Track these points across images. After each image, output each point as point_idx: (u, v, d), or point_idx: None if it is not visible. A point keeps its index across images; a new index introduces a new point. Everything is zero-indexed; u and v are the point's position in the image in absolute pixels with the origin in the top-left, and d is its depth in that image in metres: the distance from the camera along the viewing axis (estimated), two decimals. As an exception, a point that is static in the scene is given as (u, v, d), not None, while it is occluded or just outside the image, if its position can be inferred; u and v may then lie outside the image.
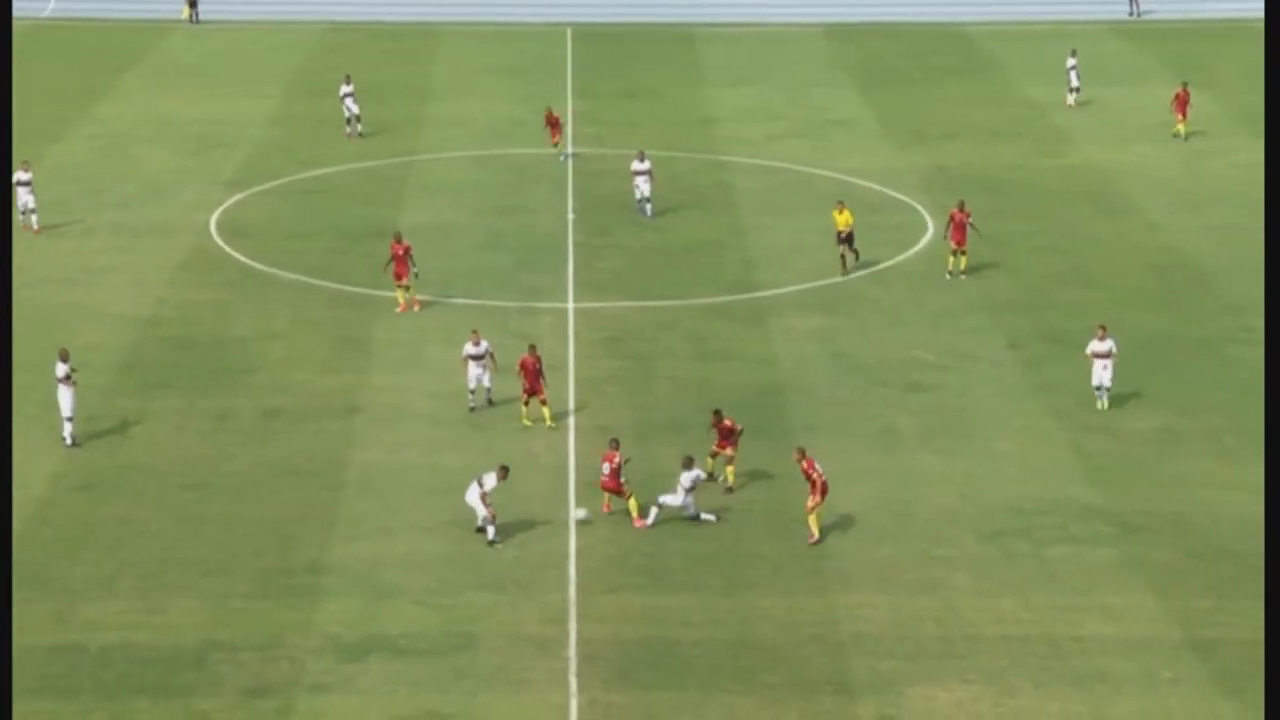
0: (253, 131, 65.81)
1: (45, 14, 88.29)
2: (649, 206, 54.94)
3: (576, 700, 29.44)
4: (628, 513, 35.45)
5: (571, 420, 40.42)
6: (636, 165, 55.18)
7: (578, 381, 42.64)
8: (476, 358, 40.70)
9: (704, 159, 62.86)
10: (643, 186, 54.98)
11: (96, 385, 41.80)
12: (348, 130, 64.65)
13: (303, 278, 49.71)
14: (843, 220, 49.51)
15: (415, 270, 46.77)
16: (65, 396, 38.84)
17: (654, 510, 35.32)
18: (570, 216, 55.44)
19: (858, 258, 49.92)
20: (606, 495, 35.72)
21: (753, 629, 31.66)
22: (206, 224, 54.58)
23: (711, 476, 36.68)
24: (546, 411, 39.91)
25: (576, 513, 35.69)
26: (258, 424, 40.15)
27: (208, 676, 29.95)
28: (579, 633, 31.42)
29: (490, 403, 40.68)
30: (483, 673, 30.19)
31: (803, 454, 34.83)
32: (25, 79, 73.77)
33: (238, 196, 57.60)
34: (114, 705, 29.08)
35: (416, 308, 46.84)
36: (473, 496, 34.87)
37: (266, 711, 29.02)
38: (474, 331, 41.23)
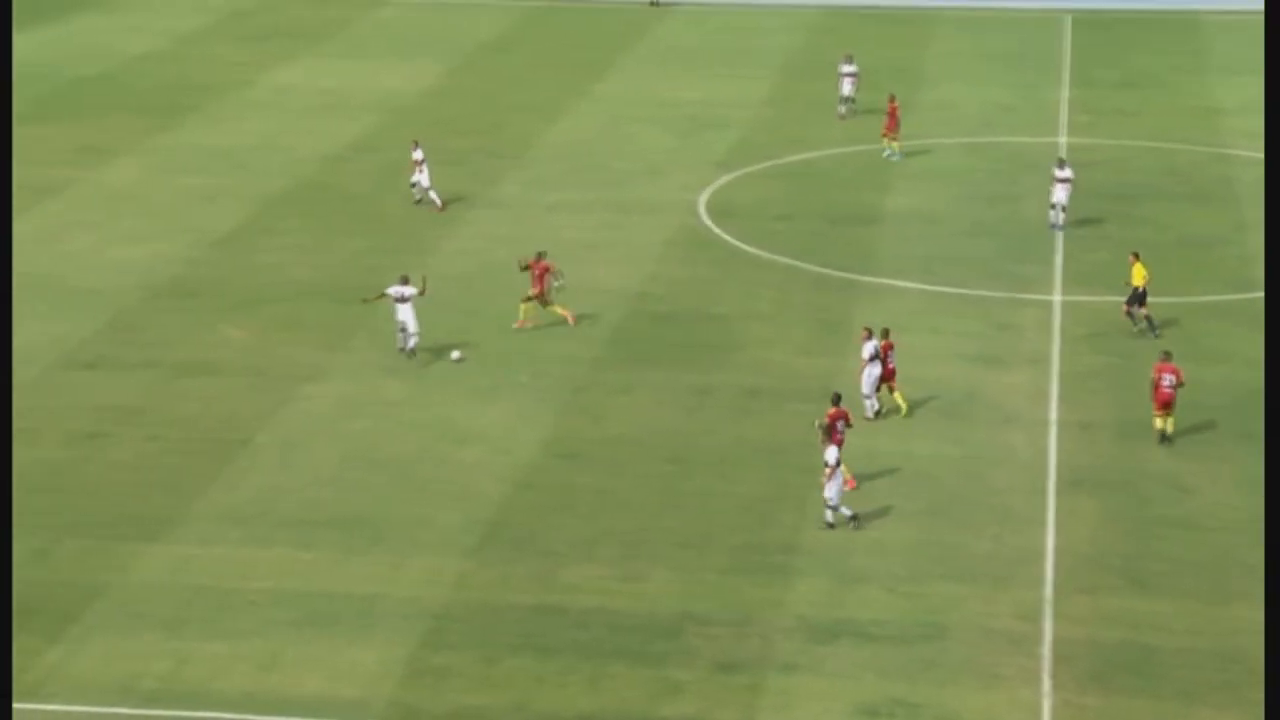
0: (745, 113, 66.67)
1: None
2: (1062, 216, 51.97)
3: (1049, 700, 28.84)
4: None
5: (1054, 415, 39.59)
6: (1057, 172, 52.13)
7: (1061, 376, 41.74)
8: (873, 358, 39.26)
9: (1207, 151, 60.59)
10: (1060, 194, 51.97)
11: (585, 357, 43.16)
12: (841, 110, 64.79)
13: (787, 259, 50.10)
14: (1138, 275, 43.95)
15: (560, 283, 44.76)
16: (408, 313, 41.96)
17: None
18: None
19: (1151, 325, 43.98)
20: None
21: (1238, 641, 30.39)
22: (696, 203, 55.60)
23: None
24: (899, 397, 39.26)
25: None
26: (737, 402, 40.69)
27: (681, 647, 30.53)
28: (1054, 631, 30.77)
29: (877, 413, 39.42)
30: (952, 664, 29.88)
31: None
32: (532, 58, 76.69)
33: (727, 177, 58.46)
34: (591, 667, 29.93)
35: (571, 321, 44.63)
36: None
37: (737, 686, 29.40)
38: (866, 329, 40.20)
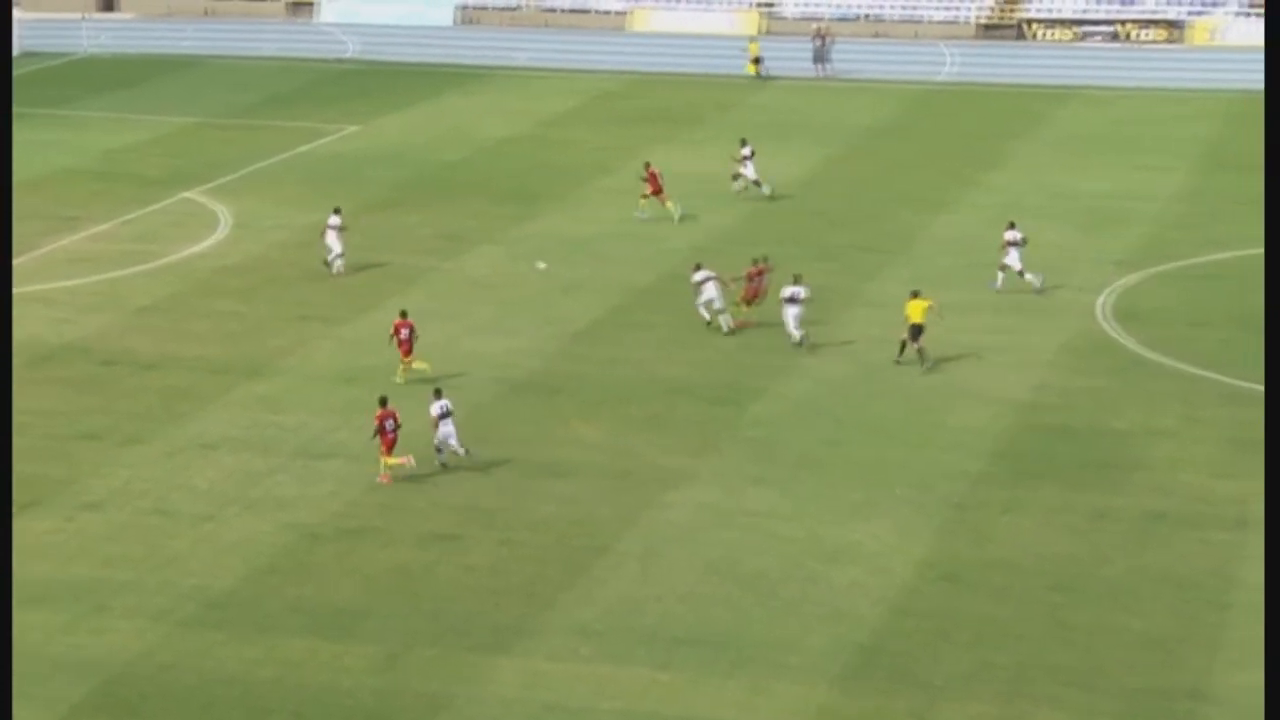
0: (1153, 207, 65.64)
1: (940, 77, 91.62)
2: (1000, 277, 55.62)
3: None
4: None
5: None
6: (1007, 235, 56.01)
7: None
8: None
9: None
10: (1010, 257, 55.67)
11: (969, 471, 42.86)
12: (736, 187, 67.39)
13: (1196, 370, 49.03)
14: (916, 311, 49.26)
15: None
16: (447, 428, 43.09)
17: None
18: None
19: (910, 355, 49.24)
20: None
21: None
22: (1095, 305, 54.87)
23: None
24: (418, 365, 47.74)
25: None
26: (1137, 527, 39.89)
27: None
28: None
29: None
30: (1382, 835, 28.62)
31: None
32: (918, 145, 76.89)
33: (1131, 277, 57.57)
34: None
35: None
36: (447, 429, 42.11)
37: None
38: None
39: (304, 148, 76.63)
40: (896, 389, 48.32)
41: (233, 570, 38.02)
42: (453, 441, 42.39)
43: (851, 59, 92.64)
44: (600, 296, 56.00)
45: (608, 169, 71.99)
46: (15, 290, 56.41)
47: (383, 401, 42.37)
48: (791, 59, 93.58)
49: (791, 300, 50.66)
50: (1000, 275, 55.88)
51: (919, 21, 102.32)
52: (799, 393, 48.00)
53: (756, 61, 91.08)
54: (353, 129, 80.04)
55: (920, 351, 49.18)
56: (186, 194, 68.82)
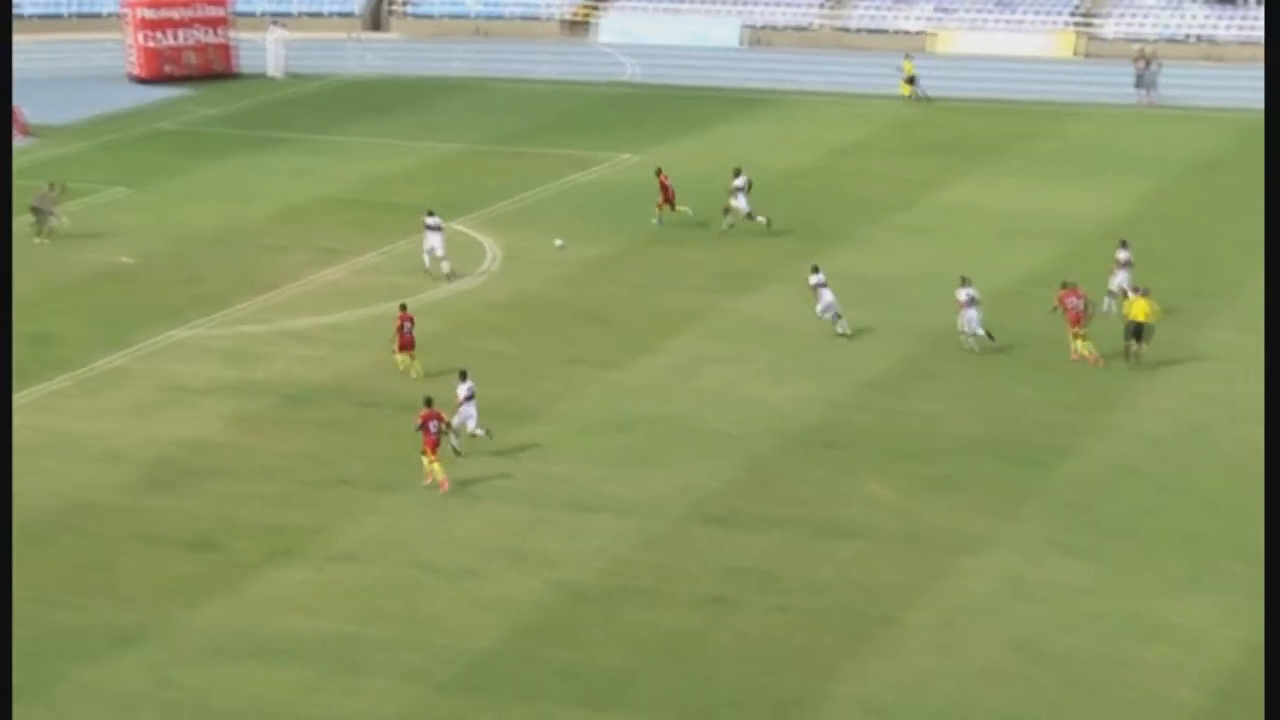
0: None
1: None
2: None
3: None
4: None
5: None
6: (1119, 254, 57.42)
7: None
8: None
9: None
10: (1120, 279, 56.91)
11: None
12: (725, 224, 67.81)
13: None
14: (1138, 310, 51.97)
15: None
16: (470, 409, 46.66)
17: None
18: None
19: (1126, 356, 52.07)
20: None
21: None
22: None
23: None
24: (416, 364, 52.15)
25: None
26: None
27: None
28: None
29: None
30: None
31: None
32: (1253, 179, 75.15)
33: None
34: None
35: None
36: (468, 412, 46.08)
37: None
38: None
39: (577, 176, 77.44)
40: (1222, 451, 47.19)
41: (495, 629, 38.34)
42: (471, 424, 46.48)
43: (1180, 84, 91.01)
44: (891, 342, 55.59)
45: (905, 203, 71.57)
46: (271, 326, 57.91)
47: (428, 402, 45.42)
48: (1111, 84, 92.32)
49: (971, 302, 53.98)
50: (1107, 300, 56.56)
51: (1257, 43, 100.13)
52: (1113, 453, 47.08)
53: (910, 81, 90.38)
54: (630, 157, 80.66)
55: (1138, 353, 52.20)
56: (453, 224, 69.90)
